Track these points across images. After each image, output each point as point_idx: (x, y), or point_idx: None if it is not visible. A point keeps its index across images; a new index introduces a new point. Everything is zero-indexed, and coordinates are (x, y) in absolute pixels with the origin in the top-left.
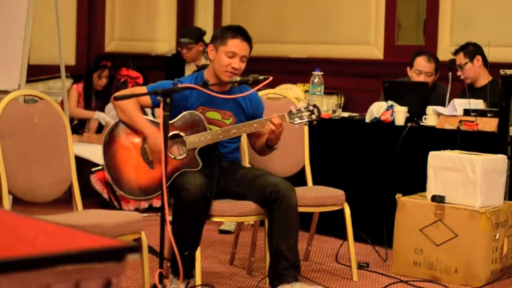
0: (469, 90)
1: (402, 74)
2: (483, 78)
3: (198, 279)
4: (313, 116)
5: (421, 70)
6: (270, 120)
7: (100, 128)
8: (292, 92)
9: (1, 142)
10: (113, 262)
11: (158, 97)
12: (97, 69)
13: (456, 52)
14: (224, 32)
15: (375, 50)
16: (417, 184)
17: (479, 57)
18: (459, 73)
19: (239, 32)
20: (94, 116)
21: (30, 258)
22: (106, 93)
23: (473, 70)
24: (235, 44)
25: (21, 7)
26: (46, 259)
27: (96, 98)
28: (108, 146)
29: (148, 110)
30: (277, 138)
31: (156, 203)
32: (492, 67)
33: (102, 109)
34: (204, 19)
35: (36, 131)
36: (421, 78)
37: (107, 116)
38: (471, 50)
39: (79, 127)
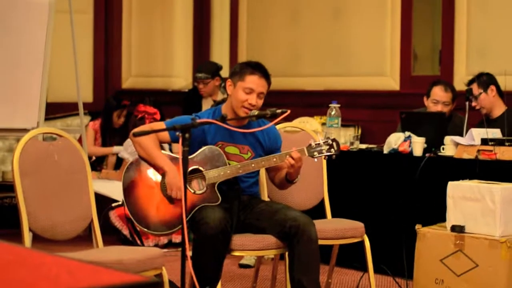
0: (485, 121)
1: (419, 104)
2: (499, 108)
3: None
4: (332, 150)
5: (438, 100)
6: (289, 154)
7: (118, 163)
8: (310, 125)
9: (22, 180)
10: None
11: (177, 133)
12: (118, 108)
13: (470, 83)
14: (242, 68)
15: (391, 81)
16: (436, 214)
17: (493, 87)
18: (473, 103)
19: (258, 68)
20: (113, 151)
21: None
22: (123, 131)
23: (487, 100)
24: (253, 81)
25: (39, 46)
26: None
27: (113, 136)
28: (128, 182)
29: (166, 145)
30: (297, 172)
31: (176, 239)
32: (509, 96)
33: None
34: (219, 54)
35: (55, 168)
36: (438, 108)
37: (125, 152)
38: (485, 80)
39: (97, 163)
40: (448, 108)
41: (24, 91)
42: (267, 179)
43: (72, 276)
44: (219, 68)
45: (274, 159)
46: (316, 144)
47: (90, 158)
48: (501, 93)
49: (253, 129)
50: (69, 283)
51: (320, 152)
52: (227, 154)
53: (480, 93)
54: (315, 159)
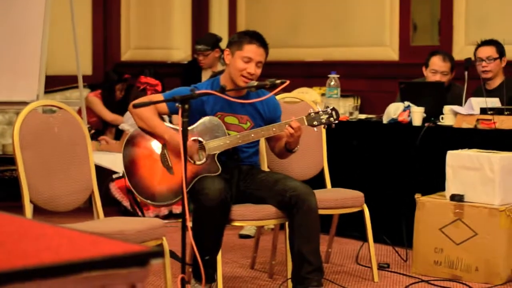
0: (481, 90)
1: (418, 74)
2: (498, 78)
3: (220, 284)
4: (332, 119)
5: (436, 69)
6: (288, 123)
7: (118, 135)
8: (309, 95)
9: (22, 153)
10: (137, 267)
11: (177, 104)
12: (119, 82)
13: (488, 43)
14: (240, 37)
15: (390, 52)
16: (436, 183)
17: (505, 59)
18: (484, 64)
19: (256, 37)
20: (120, 125)
21: (55, 265)
22: (123, 103)
23: (498, 68)
24: (251, 49)
25: (38, 19)
26: (70, 266)
27: (113, 110)
28: (128, 153)
29: (166, 117)
30: (296, 141)
31: (176, 210)
32: (507, 65)
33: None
34: (218, 26)
35: (56, 141)
36: (437, 78)
37: (126, 124)
38: (501, 49)
39: (97, 135)
40: (446, 77)
41: (23, 64)
42: (267, 149)
43: (73, 246)
44: (218, 39)
45: (274, 129)
46: (315, 113)
47: (90, 129)
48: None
49: (252, 99)
50: (70, 253)
51: (319, 121)
52: (227, 124)
53: (496, 58)
54: (315, 128)
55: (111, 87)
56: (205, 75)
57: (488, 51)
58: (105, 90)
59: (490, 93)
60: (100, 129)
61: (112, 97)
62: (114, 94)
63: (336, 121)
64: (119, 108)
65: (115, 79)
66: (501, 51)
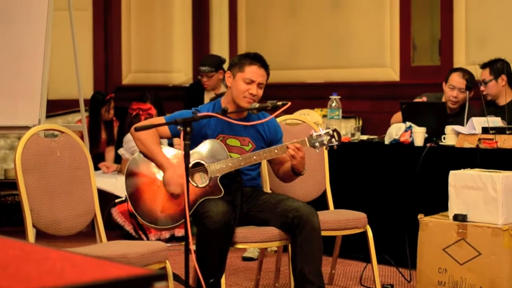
0: (491, 107)
1: (419, 95)
2: (507, 96)
3: None
4: (334, 140)
5: (454, 85)
6: (287, 145)
7: (117, 161)
8: (310, 117)
9: (24, 177)
10: None
11: (179, 127)
12: (104, 103)
13: (483, 67)
14: (241, 59)
15: (391, 72)
16: (439, 203)
17: (504, 77)
18: (481, 88)
19: (257, 59)
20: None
21: None
22: (111, 125)
23: (495, 88)
24: (253, 71)
25: (38, 43)
26: None
27: (100, 132)
28: (131, 177)
29: (164, 141)
30: (301, 163)
31: (178, 233)
32: None
33: (113, 140)
34: (219, 48)
35: (58, 165)
36: (454, 94)
37: (123, 149)
38: (498, 68)
39: (96, 160)
40: (463, 95)
41: (25, 89)
42: (269, 171)
43: (76, 270)
44: (222, 61)
45: (276, 151)
46: (317, 134)
47: None
48: (511, 82)
49: (253, 121)
50: (73, 277)
51: (321, 142)
52: (228, 147)
53: (490, 80)
54: (317, 150)
55: (97, 110)
56: (208, 97)
57: (461, 83)
58: (91, 113)
59: (498, 110)
60: (98, 152)
61: (98, 119)
62: (100, 116)
63: (338, 143)
64: (107, 130)
65: (101, 100)
66: (498, 71)
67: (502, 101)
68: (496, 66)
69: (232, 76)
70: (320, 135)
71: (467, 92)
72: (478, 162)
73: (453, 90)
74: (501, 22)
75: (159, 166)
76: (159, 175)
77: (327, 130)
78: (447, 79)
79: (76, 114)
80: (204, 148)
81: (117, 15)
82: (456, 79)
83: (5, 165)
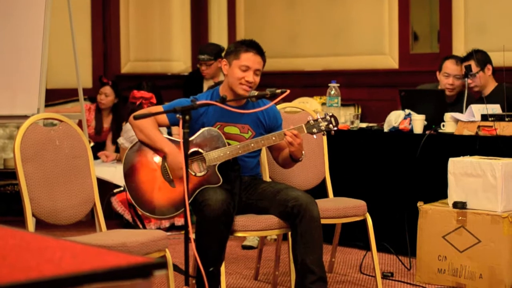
0: (480, 100)
1: (418, 82)
2: (490, 86)
3: None
4: (331, 126)
5: (449, 73)
6: (284, 132)
7: (117, 150)
8: (309, 105)
9: (24, 166)
10: (140, 279)
11: (177, 115)
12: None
13: (465, 59)
14: (237, 46)
15: (390, 60)
16: (438, 191)
17: (489, 66)
18: (469, 81)
19: (252, 46)
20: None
21: (57, 278)
22: (115, 113)
23: (483, 79)
24: (248, 58)
25: (37, 33)
26: (73, 279)
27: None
28: (129, 166)
29: (163, 129)
30: (299, 150)
31: (178, 222)
32: (507, 71)
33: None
34: (218, 37)
35: (57, 154)
36: (449, 81)
37: (123, 138)
38: (481, 59)
39: (95, 149)
40: (459, 81)
41: (24, 78)
42: (269, 159)
43: (75, 259)
44: (221, 49)
45: (273, 138)
46: (314, 120)
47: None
48: (493, 71)
49: (252, 109)
50: (72, 265)
51: (318, 128)
52: (228, 134)
53: (478, 72)
54: (314, 136)
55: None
56: (207, 86)
57: (455, 70)
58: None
59: (486, 99)
60: (99, 141)
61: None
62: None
63: (335, 128)
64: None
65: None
66: (482, 61)
67: (487, 91)
68: (479, 57)
69: (228, 64)
70: (317, 120)
71: (466, 79)
72: (478, 149)
73: (448, 77)
74: (500, 10)
75: (160, 151)
76: (157, 164)
77: (324, 116)
78: (441, 68)
79: (75, 103)
80: (201, 136)
81: (115, 4)
82: (450, 67)
83: (4, 154)
